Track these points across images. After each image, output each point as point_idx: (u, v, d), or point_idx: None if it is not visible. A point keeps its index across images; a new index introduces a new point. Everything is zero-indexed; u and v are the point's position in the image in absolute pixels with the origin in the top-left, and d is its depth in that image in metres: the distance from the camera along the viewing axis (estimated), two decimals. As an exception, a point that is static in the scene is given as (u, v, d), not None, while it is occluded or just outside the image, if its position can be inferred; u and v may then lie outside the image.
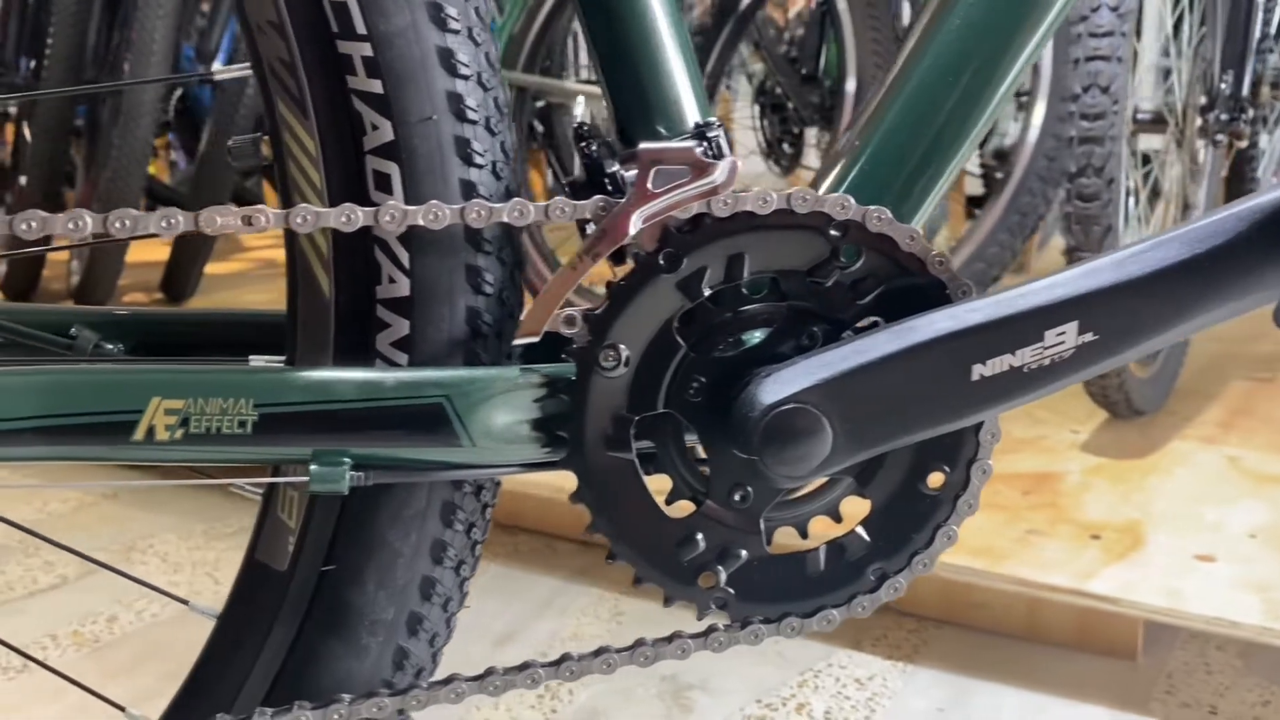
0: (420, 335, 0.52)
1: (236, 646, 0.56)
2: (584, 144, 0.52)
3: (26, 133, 2.58)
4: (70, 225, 0.45)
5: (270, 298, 2.66)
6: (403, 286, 0.51)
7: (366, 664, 0.55)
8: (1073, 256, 1.30)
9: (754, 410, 0.48)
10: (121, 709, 0.58)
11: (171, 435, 0.47)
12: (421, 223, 0.48)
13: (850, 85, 1.80)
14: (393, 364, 0.52)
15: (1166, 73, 1.54)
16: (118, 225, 0.45)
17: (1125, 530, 1.19)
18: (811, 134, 2.70)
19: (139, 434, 0.47)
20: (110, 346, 0.59)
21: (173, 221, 0.45)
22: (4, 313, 0.59)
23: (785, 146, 2.63)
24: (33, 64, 2.57)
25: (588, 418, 0.50)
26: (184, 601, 0.59)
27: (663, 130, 0.53)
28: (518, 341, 0.50)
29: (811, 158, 2.74)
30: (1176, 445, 1.47)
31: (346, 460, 0.49)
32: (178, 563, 1.46)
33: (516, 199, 0.48)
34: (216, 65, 2.51)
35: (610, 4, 0.52)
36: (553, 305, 0.48)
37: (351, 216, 0.47)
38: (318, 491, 0.48)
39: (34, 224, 0.45)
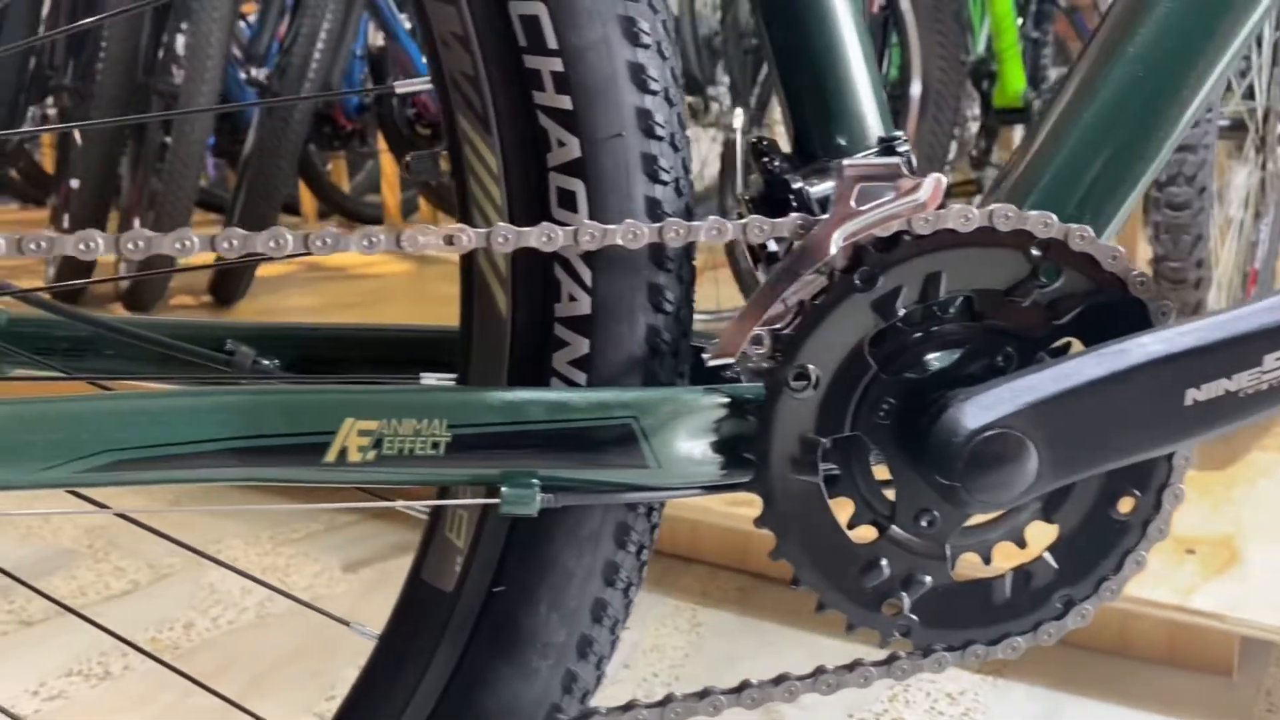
0: (600, 354, 0.51)
1: (399, 667, 0.56)
2: (765, 159, 0.51)
3: (77, 136, 2.59)
4: (271, 244, 0.44)
5: (317, 302, 2.66)
6: (583, 305, 0.50)
7: (535, 687, 0.54)
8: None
9: (957, 435, 0.46)
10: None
11: (364, 456, 0.46)
12: (620, 242, 0.47)
13: (915, 89, 1.78)
14: (570, 383, 0.51)
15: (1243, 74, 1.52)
16: (319, 244, 0.44)
17: (1220, 544, 1.17)
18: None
19: (331, 455, 0.46)
20: (265, 362, 0.58)
21: (374, 240, 0.45)
22: (160, 327, 0.58)
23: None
24: (73, 65, 2.58)
25: (775, 440, 0.49)
26: (344, 622, 0.58)
27: (844, 144, 0.52)
28: (714, 362, 0.49)
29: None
30: (1258, 456, 1.45)
31: (536, 482, 0.48)
32: (249, 568, 1.46)
33: (713, 217, 0.47)
34: (264, 71, 2.50)
35: (796, 12, 0.51)
36: (751, 325, 0.47)
37: (551, 236, 0.46)
38: (509, 513, 0.47)
39: (234, 242, 0.44)
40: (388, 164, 3.60)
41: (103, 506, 0.52)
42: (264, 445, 0.46)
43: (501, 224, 0.46)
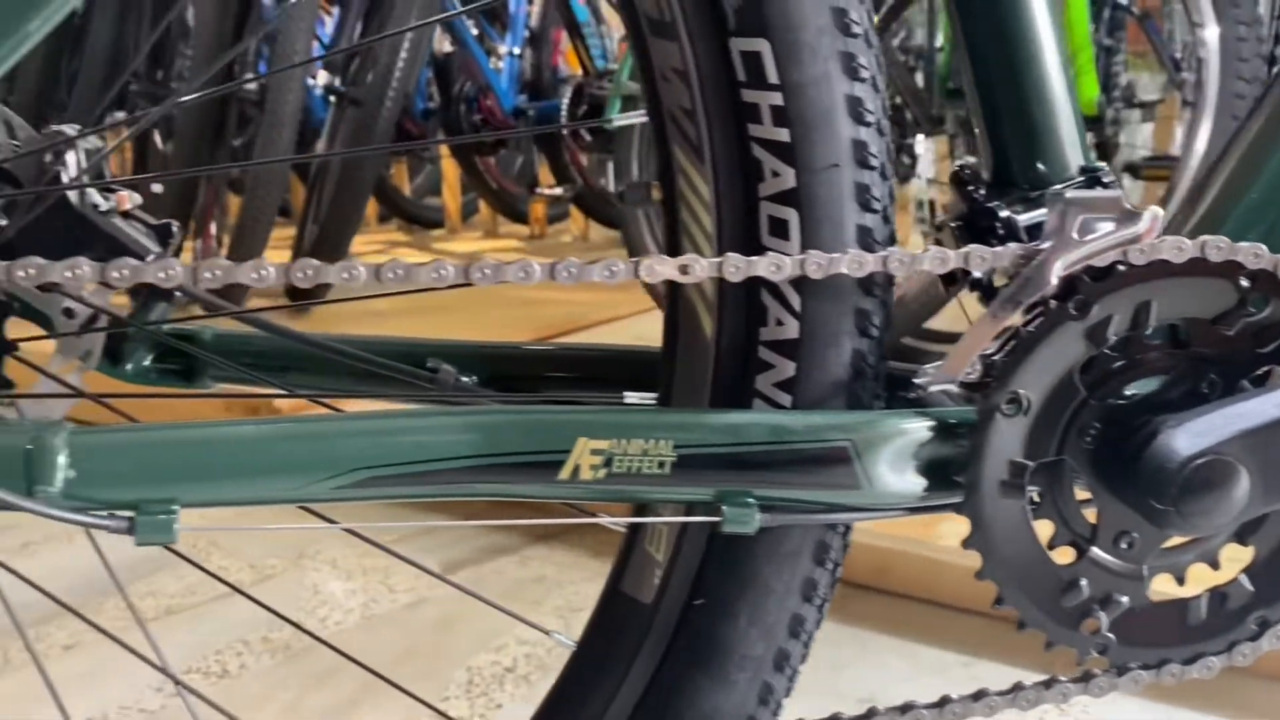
0: (806, 377, 0.52)
1: (596, 676, 0.58)
2: (969, 186, 0.53)
3: (157, 139, 2.64)
4: (521, 274, 0.46)
5: (383, 305, 2.70)
6: (791, 329, 0.52)
7: (733, 698, 0.56)
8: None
9: (1172, 460, 0.48)
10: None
11: (595, 475, 0.48)
12: (845, 271, 0.48)
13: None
14: (774, 405, 0.53)
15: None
16: (565, 274, 0.46)
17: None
18: (925, 143, 2.68)
19: (564, 473, 0.48)
20: (465, 379, 0.60)
21: (615, 270, 0.46)
22: (361, 344, 0.60)
23: (903, 157, 2.61)
24: (160, 73, 2.63)
25: (985, 463, 0.50)
26: (545, 631, 0.60)
27: (1046, 172, 0.53)
28: (937, 387, 0.51)
29: (922, 166, 2.72)
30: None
31: (754, 501, 0.49)
32: (349, 570, 1.49)
33: (935, 247, 0.49)
34: (335, 79, 2.53)
35: (1002, 39, 0.52)
36: (973, 351, 0.49)
37: (780, 265, 0.48)
38: (730, 531, 0.49)
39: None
40: (449, 168, 3.63)
41: (331, 522, 0.54)
42: (503, 463, 0.48)
43: (732, 254, 0.48)
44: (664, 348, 0.55)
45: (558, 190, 3.21)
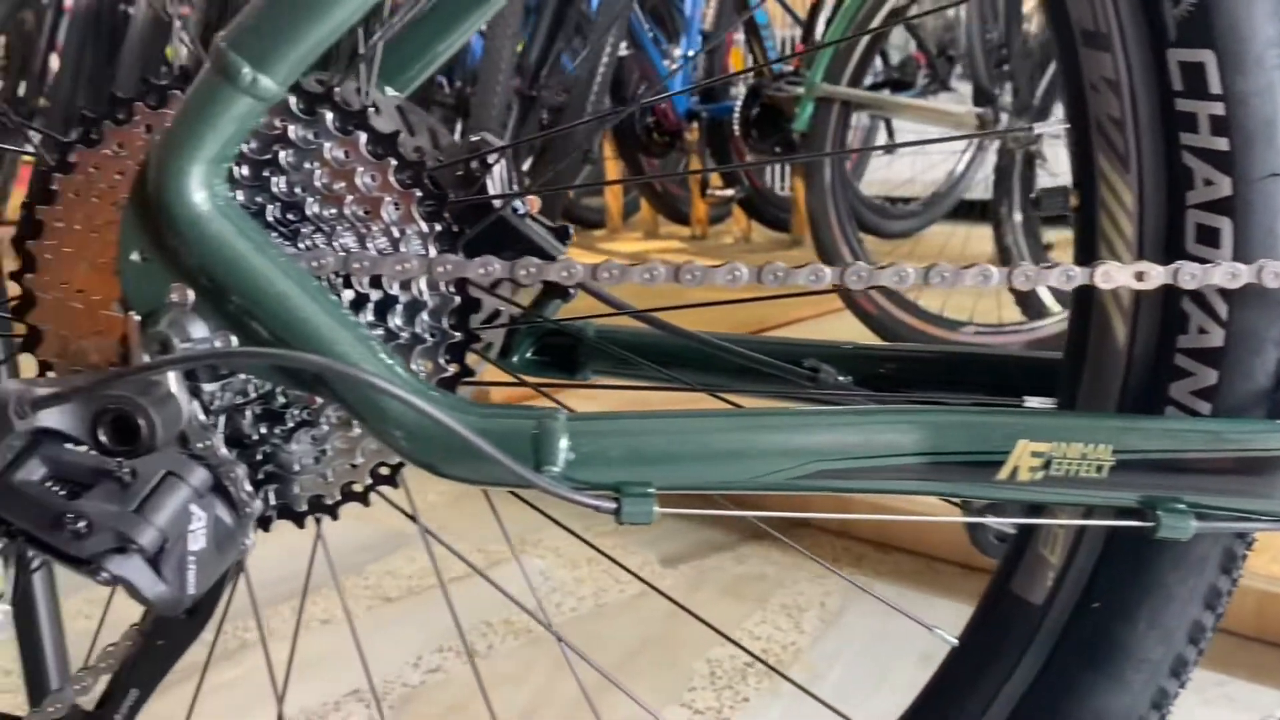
0: (1228, 385, 0.52)
1: (979, 673, 0.59)
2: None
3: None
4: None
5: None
6: (1215, 337, 0.52)
7: (1125, 699, 0.56)
8: None
9: None
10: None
11: (1032, 476, 0.49)
12: (1300, 280, 0.48)
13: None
14: (1190, 412, 0.53)
15: None
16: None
17: None
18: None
19: (1003, 474, 0.49)
20: (841, 379, 0.62)
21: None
22: (741, 342, 0.63)
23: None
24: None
25: None
26: (928, 627, 0.61)
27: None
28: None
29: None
30: None
31: (1184, 508, 0.50)
32: (573, 559, 1.54)
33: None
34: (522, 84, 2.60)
35: None
36: None
37: (1236, 274, 0.48)
38: (1164, 538, 0.50)
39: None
40: (612, 169, 3.69)
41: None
42: (945, 461, 0.49)
43: (1188, 263, 0.49)
44: (1068, 353, 0.56)
45: (728, 191, 3.23)
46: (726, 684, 1.22)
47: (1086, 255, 0.54)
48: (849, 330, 2.06)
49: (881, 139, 3.51)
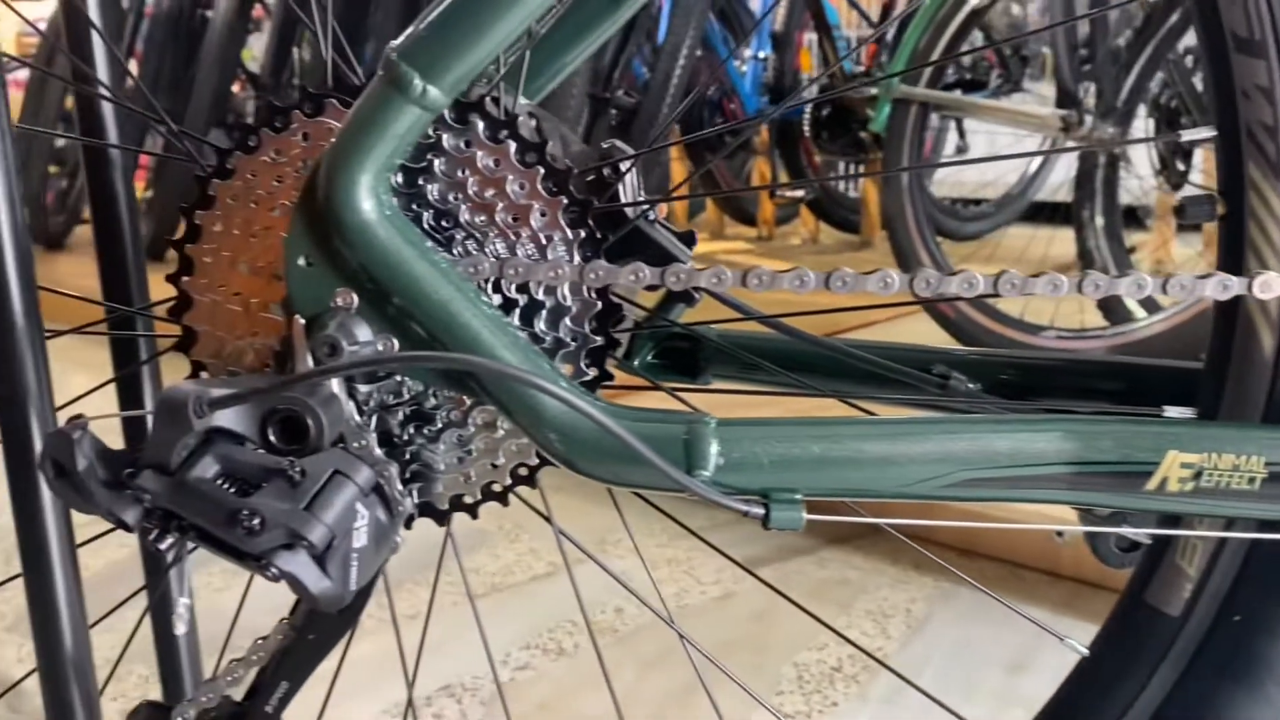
0: (1386, 396, 0.52)
1: (1111, 684, 0.58)
2: None
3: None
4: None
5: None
6: (1367, 348, 0.51)
7: (1268, 714, 0.55)
8: None
9: None
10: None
11: (1182, 487, 0.49)
12: None
13: None
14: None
15: None
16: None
17: None
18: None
19: (1151, 485, 0.49)
20: (971, 386, 0.62)
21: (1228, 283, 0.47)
22: (870, 349, 0.63)
23: (1177, 163, 2.50)
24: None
25: None
26: (1059, 636, 0.61)
27: None
28: None
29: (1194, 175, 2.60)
30: None
31: (1340, 521, 0.49)
32: (653, 560, 1.54)
33: None
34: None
35: None
36: None
37: None
38: (1318, 552, 0.49)
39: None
40: (678, 171, 3.69)
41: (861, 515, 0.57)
42: (1093, 471, 0.49)
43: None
44: (1211, 361, 0.55)
45: (797, 193, 3.22)
46: (815, 688, 1.22)
47: (1233, 264, 0.54)
48: (926, 334, 2.05)
49: (952, 140, 3.47)
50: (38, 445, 0.54)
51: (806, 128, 3.09)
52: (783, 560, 1.54)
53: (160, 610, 0.69)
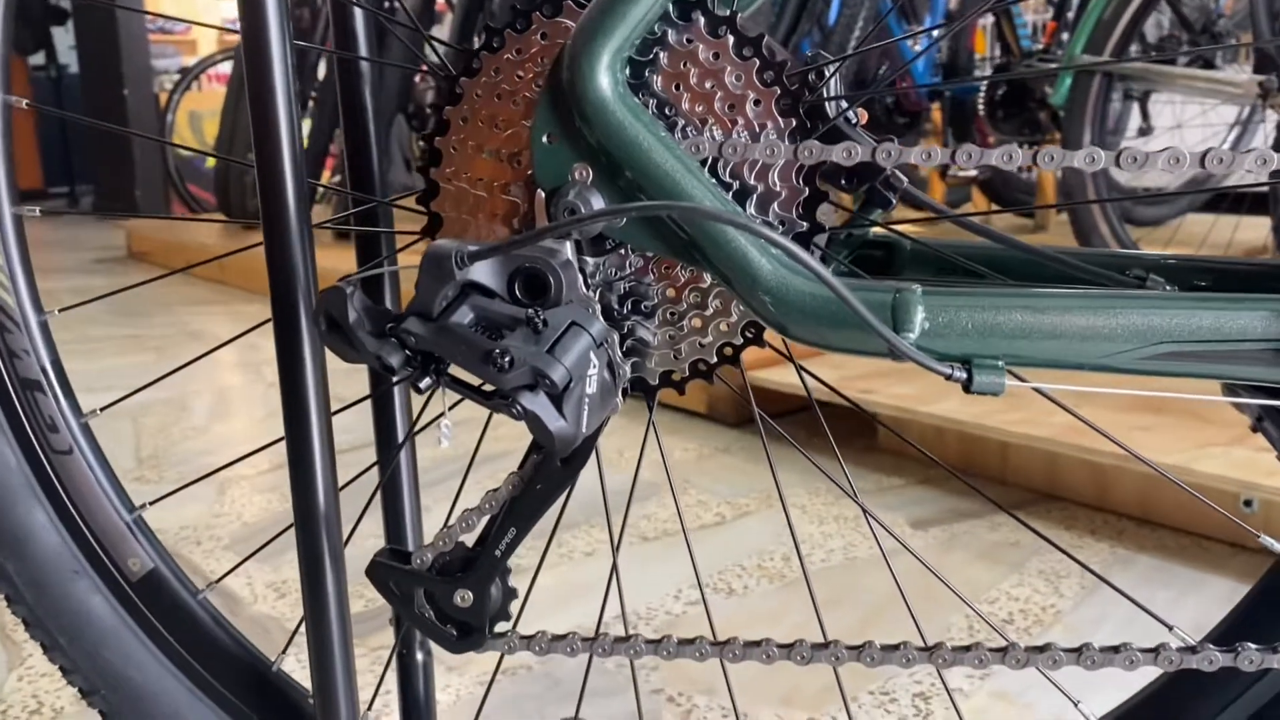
0: None
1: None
2: None
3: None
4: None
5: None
6: None
7: None
8: None
9: None
10: (1169, 626, 0.62)
11: (1393, 367, 0.49)
12: None
13: None
14: None
15: None
16: None
17: None
18: None
19: (1358, 362, 0.49)
20: (1167, 288, 0.63)
21: None
22: (1068, 253, 0.65)
23: None
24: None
25: None
26: (1256, 534, 0.61)
27: None
28: None
29: None
30: None
31: None
32: (819, 515, 1.57)
33: None
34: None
35: None
36: None
37: None
38: None
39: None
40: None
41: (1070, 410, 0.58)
42: (1298, 349, 0.50)
43: None
44: None
45: (971, 172, 3.16)
46: (984, 638, 1.22)
47: None
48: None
49: (1134, 122, 3.34)
50: (303, 315, 0.62)
51: (981, 107, 3.04)
52: (953, 522, 1.53)
53: (391, 482, 0.76)
